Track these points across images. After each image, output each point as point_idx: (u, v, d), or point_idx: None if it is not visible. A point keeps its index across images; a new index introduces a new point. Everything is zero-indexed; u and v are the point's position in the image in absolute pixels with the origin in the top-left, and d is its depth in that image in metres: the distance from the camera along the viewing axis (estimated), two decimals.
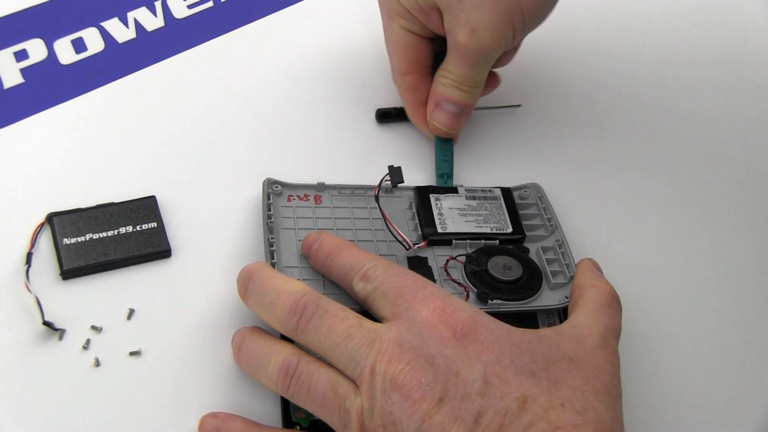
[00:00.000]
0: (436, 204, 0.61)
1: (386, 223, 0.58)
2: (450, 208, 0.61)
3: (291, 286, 0.50)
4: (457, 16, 0.60)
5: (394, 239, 0.58)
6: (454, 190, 0.63)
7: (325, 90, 0.70)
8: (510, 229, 0.60)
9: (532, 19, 0.61)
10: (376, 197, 0.59)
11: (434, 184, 0.64)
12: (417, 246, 0.58)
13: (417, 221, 0.60)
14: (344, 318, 0.48)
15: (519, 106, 0.70)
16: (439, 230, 0.60)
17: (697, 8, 0.81)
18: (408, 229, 0.60)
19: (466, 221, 0.61)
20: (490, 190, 0.63)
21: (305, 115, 0.68)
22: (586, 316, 0.51)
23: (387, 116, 0.68)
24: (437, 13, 0.62)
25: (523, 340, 0.48)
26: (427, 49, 0.65)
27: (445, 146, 0.66)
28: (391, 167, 0.59)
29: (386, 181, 0.59)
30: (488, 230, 0.60)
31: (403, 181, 0.59)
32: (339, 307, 0.49)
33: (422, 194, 0.62)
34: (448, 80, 0.63)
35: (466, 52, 0.61)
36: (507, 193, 0.63)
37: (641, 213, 0.66)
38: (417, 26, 0.64)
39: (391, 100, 0.69)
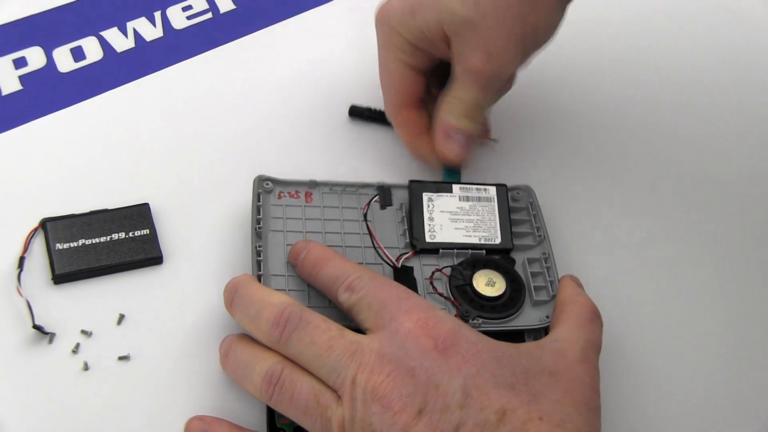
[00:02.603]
0: (428, 206, 0.60)
1: (373, 242, 0.57)
2: (442, 212, 0.60)
3: (275, 299, 0.50)
4: (470, 41, 0.58)
5: (383, 246, 0.58)
6: (448, 188, 0.61)
7: (319, 100, 0.69)
8: (498, 240, 0.59)
9: (543, 40, 0.61)
10: (365, 215, 0.58)
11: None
12: (404, 257, 0.58)
13: (406, 226, 0.60)
14: (326, 329, 0.48)
15: (496, 141, 0.68)
16: (428, 239, 0.59)
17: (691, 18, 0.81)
18: (397, 234, 0.59)
19: (456, 228, 0.59)
20: (485, 189, 0.61)
21: (299, 124, 0.68)
22: (568, 331, 0.51)
23: (358, 113, 0.68)
24: (444, 41, 0.60)
25: (504, 353, 0.48)
26: (422, 83, 0.63)
27: (453, 171, 0.64)
28: (381, 187, 0.58)
29: (375, 201, 0.58)
30: (476, 240, 0.59)
31: (392, 204, 0.58)
32: (321, 318, 0.49)
33: (415, 192, 0.60)
34: (457, 108, 0.61)
35: (481, 76, 0.59)
36: (502, 192, 0.61)
37: (629, 228, 0.65)
38: (415, 59, 0.62)
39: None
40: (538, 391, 0.47)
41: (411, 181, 0.61)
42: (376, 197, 0.58)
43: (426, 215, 0.60)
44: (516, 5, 0.58)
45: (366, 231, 0.58)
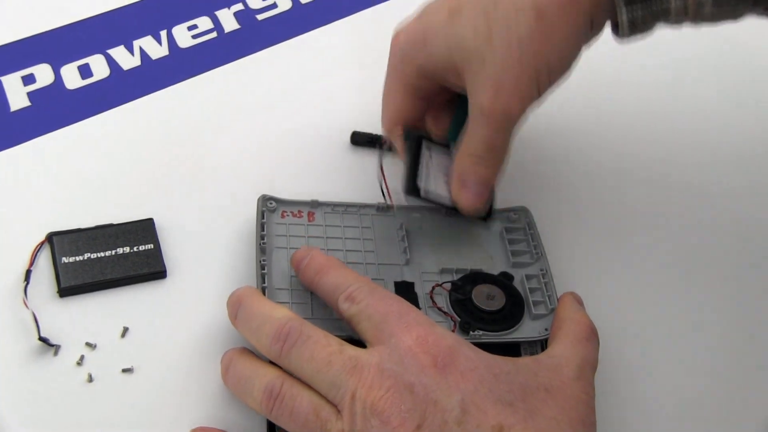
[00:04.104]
0: (426, 153, 0.59)
1: (382, 183, 0.60)
2: (437, 165, 0.59)
3: (276, 313, 0.50)
4: (480, 77, 0.53)
5: (383, 263, 0.58)
6: (447, 145, 0.60)
7: (320, 117, 0.69)
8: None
9: (558, 75, 0.54)
10: (380, 164, 0.61)
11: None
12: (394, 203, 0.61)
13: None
14: (326, 344, 0.48)
15: None
16: (422, 190, 0.58)
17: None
18: (398, 252, 0.59)
19: (445, 183, 0.59)
20: None
21: (301, 140, 0.68)
22: (565, 348, 0.51)
23: (359, 141, 0.68)
24: (454, 73, 0.55)
25: (502, 370, 0.48)
26: (423, 107, 0.60)
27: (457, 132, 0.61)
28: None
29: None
30: None
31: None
32: (322, 333, 0.49)
33: (418, 141, 0.60)
34: (470, 156, 0.56)
35: (490, 115, 0.54)
36: None
37: (628, 247, 0.65)
38: (421, 87, 0.58)
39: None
40: (535, 408, 0.46)
41: (415, 133, 0.60)
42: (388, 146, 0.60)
43: (423, 161, 0.59)
44: (528, 40, 0.52)
45: (368, 249, 0.59)
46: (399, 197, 0.61)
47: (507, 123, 0.55)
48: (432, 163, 0.59)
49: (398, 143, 0.61)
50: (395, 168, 0.62)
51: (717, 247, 0.66)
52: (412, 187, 0.58)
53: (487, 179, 0.57)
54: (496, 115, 0.54)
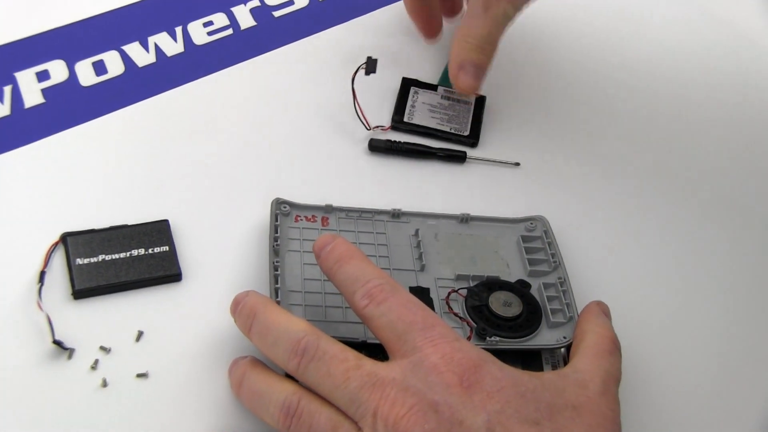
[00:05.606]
0: (413, 96, 0.69)
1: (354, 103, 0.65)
2: (423, 103, 0.68)
3: (293, 326, 0.48)
4: None
5: (397, 268, 0.57)
6: (434, 88, 0.70)
7: (338, 118, 0.68)
8: (467, 132, 0.67)
9: None
10: (352, 80, 0.65)
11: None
12: (381, 128, 0.66)
13: (414, 244, 0.59)
14: (343, 360, 0.46)
15: (518, 164, 0.67)
16: (405, 119, 0.67)
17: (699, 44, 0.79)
18: (412, 258, 0.58)
19: (432, 117, 0.68)
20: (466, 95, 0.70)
21: (316, 141, 0.66)
22: (588, 362, 0.50)
23: (377, 147, 0.66)
24: None
25: (528, 388, 0.46)
26: None
27: (447, 78, 0.69)
28: (369, 58, 0.65)
29: (362, 68, 0.65)
30: (447, 129, 0.67)
31: (375, 72, 0.65)
32: (339, 347, 0.47)
33: (405, 85, 0.69)
34: (469, 44, 0.64)
35: (488, 11, 0.64)
36: (481, 100, 0.69)
37: (647, 255, 0.64)
38: None
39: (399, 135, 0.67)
40: (562, 427, 0.45)
41: (404, 78, 0.70)
42: (363, 65, 0.65)
43: (409, 102, 0.68)
44: None
45: (381, 254, 0.58)
46: (412, 204, 0.60)
47: (502, 19, 0.64)
48: (417, 101, 0.68)
49: (410, 15, 0.71)
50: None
51: (743, 254, 0.65)
52: (399, 119, 0.67)
53: (481, 64, 0.65)
54: (494, 12, 0.64)
